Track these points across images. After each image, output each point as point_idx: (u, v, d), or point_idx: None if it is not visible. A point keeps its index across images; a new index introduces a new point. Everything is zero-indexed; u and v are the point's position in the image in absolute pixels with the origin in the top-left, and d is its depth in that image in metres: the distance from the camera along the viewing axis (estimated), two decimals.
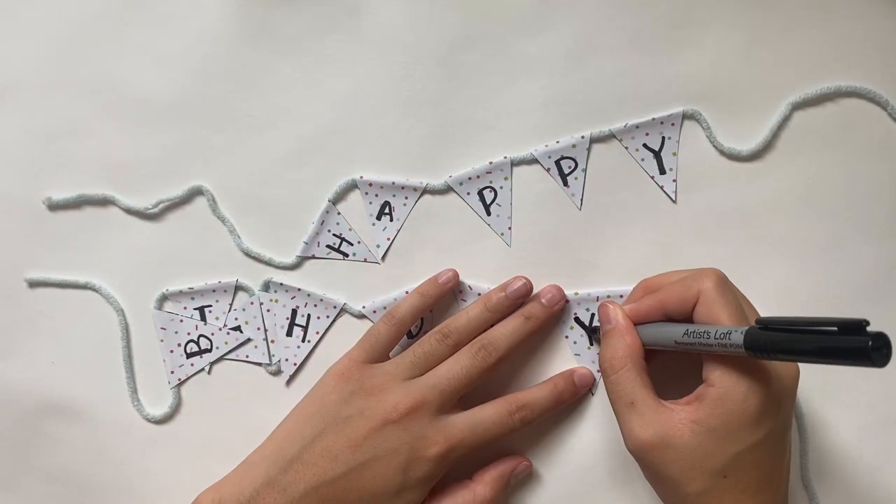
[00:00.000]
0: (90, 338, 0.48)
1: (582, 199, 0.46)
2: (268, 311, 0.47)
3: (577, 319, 0.46)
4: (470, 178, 0.46)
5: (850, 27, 0.45)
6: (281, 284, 0.47)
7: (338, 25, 0.47)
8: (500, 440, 0.43)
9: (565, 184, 0.46)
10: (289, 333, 0.47)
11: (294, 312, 0.47)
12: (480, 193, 0.46)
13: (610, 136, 0.46)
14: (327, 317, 0.47)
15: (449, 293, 0.45)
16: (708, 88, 0.45)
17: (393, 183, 0.46)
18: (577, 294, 0.45)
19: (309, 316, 0.47)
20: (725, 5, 0.45)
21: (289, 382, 0.47)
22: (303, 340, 0.47)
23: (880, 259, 0.45)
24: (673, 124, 0.45)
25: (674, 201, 0.45)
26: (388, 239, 0.47)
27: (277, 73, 0.47)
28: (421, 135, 0.47)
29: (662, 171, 0.45)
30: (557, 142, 0.46)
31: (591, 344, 0.46)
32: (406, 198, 0.46)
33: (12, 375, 0.48)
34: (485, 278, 0.46)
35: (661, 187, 0.45)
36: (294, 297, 0.47)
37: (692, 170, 0.45)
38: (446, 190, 0.46)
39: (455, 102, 0.46)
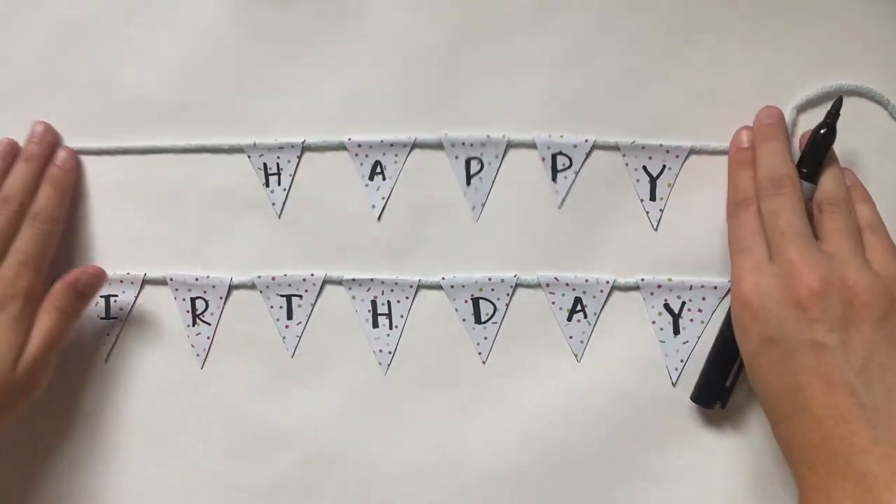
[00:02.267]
0: None
1: (564, 199, 0.46)
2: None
3: (666, 306, 0.45)
4: (464, 143, 0.46)
5: (851, 27, 0.45)
6: (353, 280, 0.47)
7: (338, 25, 0.47)
8: None
9: (553, 179, 0.46)
10: (374, 325, 0.47)
11: (374, 303, 0.47)
12: (468, 162, 0.46)
13: (614, 148, 0.45)
14: (406, 298, 0.46)
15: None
16: (708, 89, 0.45)
17: (381, 141, 0.46)
18: (670, 280, 0.45)
19: (389, 302, 0.47)
20: (726, 6, 0.45)
21: (386, 372, 0.47)
22: (390, 328, 0.47)
23: None
24: (678, 156, 0.45)
25: (655, 230, 0.45)
26: (383, 198, 0.47)
27: (277, 73, 0.47)
28: (421, 135, 0.47)
29: (653, 198, 0.45)
30: (562, 136, 0.45)
31: (678, 333, 0.45)
32: (396, 154, 0.46)
33: None
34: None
35: (647, 213, 0.45)
36: (369, 288, 0.47)
37: (692, 170, 0.45)
38: (437, 145, 0.46)
39: (455, 102, 0.46)
